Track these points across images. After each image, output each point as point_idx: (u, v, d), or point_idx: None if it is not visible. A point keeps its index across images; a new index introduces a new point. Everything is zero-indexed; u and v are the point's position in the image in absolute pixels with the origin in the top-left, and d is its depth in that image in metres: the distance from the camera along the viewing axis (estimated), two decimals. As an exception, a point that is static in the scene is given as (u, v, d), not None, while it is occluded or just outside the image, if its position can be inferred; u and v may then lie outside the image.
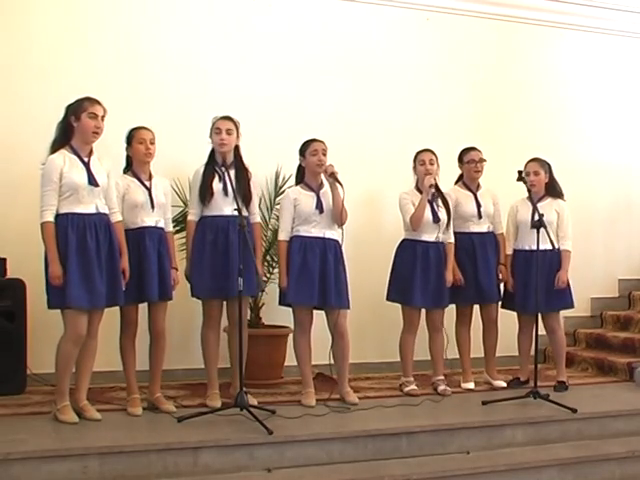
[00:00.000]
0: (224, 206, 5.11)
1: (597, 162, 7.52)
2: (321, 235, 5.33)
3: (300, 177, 5.48)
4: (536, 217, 5.50)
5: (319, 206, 5.32)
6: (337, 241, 5.38)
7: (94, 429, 4.55)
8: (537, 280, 5.50)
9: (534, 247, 5.55)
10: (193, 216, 5.22)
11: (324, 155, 5.34)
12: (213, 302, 5.22)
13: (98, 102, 4.68)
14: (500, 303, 6.05)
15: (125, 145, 5.09)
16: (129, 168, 5.12)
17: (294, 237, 5.34)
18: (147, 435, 4.51)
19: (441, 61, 7.08)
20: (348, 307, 5.38)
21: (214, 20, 6.39)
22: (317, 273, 5.26)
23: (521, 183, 5.60)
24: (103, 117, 4.68)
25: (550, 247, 5.58)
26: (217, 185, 5.14)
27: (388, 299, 5.76)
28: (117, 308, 4.91)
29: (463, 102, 7.08)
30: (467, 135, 6.76)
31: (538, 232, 5.45)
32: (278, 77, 6.54)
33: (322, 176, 5.40)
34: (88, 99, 4.68)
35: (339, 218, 5.32)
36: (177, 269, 5.17)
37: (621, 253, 7.72)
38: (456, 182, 6.07)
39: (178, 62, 6.23)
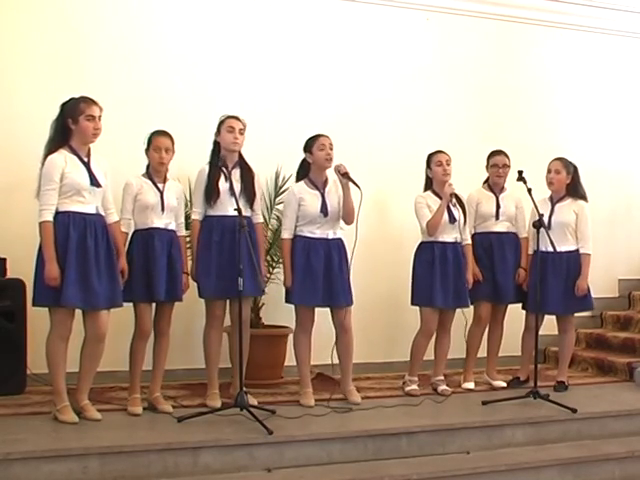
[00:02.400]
0: (229, 206, 5.02)
1: (597, 162, 7.50)
2: (324, 236, 5.30)
3: (304, 173, 5.40)
4: (537, 217, 5.54)
5: (324, 209, 5.28)
6: (340, 239, 5.36)
7: (94, 429, 4.55)
8: (538, 280, 5.51)
9: (551, 248, 5.54)
10: (197, 215, 5.19)
11: (331, 149, 5.29)
12: (218, 302, 5.17)
13: (94, 102, 4.65)
14: (521, 304, 6.02)
15: (145, 147, 5.06)
16: (148, 169, 5.08)
17: (297, 237, 5.31)
18: (147, 435, 4.51)
19: (441, 61, 7.07)
20: (352, 303, 5.36)
21: (213, 20, 6.38)
22: (321, 274, 5.23)
23: (521, 183, 5.61)
24: (100, 116, 4.66)
25: (571, 248, 5.78)
26: (223, 185, 5.10)
27: (413, 303, 5.69)
28: (126, 310, 4.89)
29: (463, 102, 7.07)
30: (466, 135, 6.79)
31: (538, 232, 5.48)
32: (278, 77, 6.54)
33: (327, 173, 5.35)
34: (84, 100, 4.64)
35: (348, 218, 5.31)
36: (188, 274, 5.16)
37: (621, 253, 7.71)
38: (484, 183, 6.09)
39: (177, 62, 6.22)
